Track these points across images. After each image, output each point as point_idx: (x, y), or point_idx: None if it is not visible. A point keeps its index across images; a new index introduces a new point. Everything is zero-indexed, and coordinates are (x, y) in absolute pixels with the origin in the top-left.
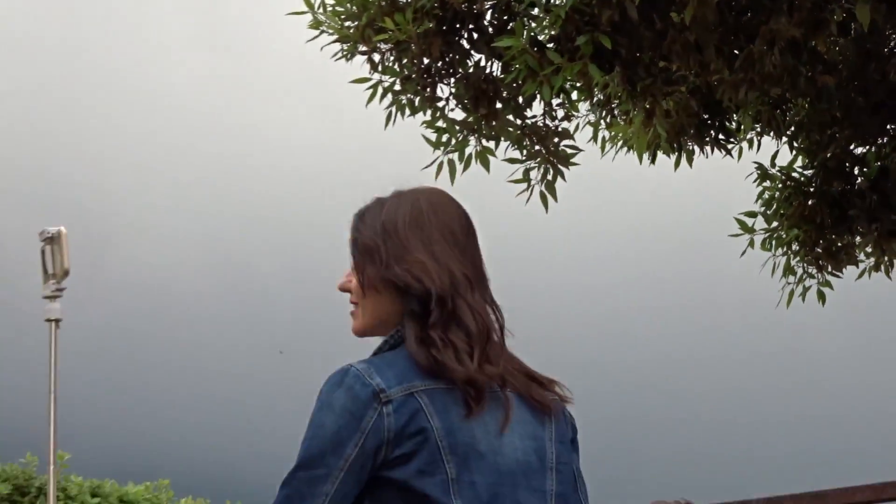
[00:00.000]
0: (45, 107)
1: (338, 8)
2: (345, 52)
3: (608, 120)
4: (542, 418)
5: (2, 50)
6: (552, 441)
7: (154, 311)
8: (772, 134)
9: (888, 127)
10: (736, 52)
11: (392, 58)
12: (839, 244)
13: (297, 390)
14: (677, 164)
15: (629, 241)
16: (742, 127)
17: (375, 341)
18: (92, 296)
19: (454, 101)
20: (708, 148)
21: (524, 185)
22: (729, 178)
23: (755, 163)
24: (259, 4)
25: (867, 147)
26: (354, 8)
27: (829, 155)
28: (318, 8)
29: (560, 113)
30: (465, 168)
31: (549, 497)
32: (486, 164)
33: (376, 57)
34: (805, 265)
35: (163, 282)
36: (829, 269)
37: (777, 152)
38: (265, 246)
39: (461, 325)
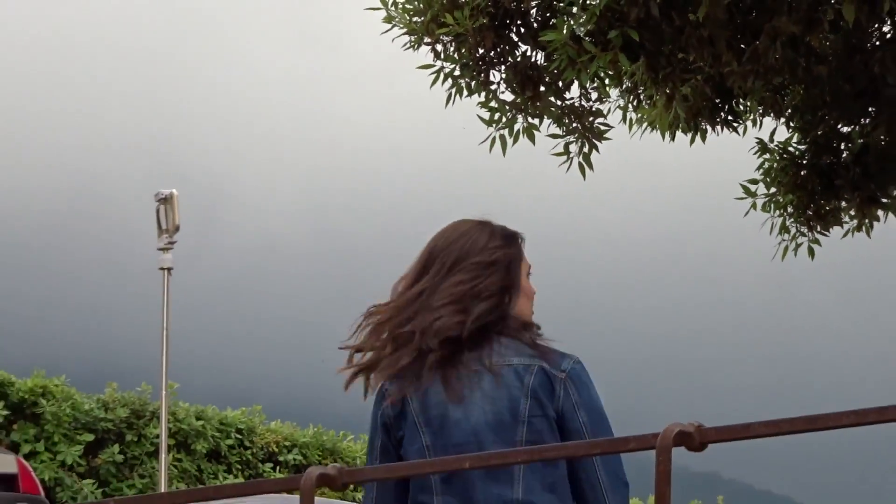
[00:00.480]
0: (161, 101)
1: (407, 5)
2: (412, 43)
3: (635, 104)
4: (522, 378)
5: (133, 59)
6: (527, 398)
7: (253, 267)
8: (772, 115)
9: (870, 109)
10: (743, 46)
11: (452, 48)
12: (827, 208)
13: None
14: (692, 140)
15: (653, 204)
16: (749, 110)
17: None
18: (200, 254)
19: (504, 85)
20: (719, 127)
21: (564, 157)
22: (735, 152)
23: (757, 138)
24: (341, 4)
25: (852, 126)
26: (421, 5)
27: (819, 133)
28: (391, 5)
29: (594, 95)
30: (513, 142)
31: (519, 445)
32: (531, 139)
33: (439, 47)
34: (798, 225)
35: (259, 244)
36: (818, 229)
37: (775, 130)
38: (356, 213)
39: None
